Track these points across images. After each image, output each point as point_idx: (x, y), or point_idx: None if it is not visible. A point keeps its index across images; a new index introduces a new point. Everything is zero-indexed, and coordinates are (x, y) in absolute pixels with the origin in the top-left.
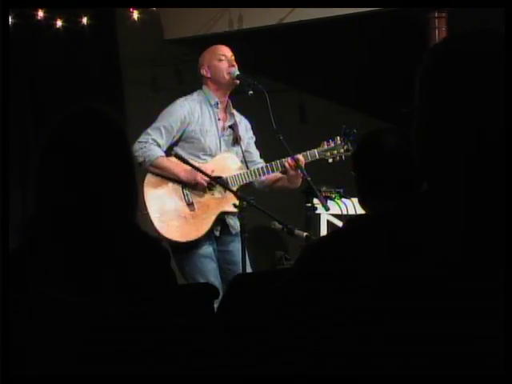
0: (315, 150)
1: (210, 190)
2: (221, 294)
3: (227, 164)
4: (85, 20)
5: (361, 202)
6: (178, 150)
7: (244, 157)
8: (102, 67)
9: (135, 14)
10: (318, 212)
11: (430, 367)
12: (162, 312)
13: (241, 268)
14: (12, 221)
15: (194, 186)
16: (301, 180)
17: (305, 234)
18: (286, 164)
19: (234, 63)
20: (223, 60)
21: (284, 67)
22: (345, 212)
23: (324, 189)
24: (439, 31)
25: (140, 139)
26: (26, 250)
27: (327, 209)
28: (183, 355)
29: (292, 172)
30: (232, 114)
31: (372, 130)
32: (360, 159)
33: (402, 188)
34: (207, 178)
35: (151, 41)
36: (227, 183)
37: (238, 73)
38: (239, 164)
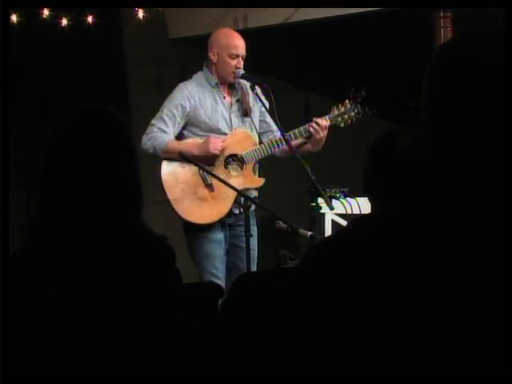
0: (326, 117)
1: (226, 168)
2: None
3: (242, 140)
4: (90, 19)
5: (367, 195)
6: (187, 134)
7: (257, 129)
8: (106, 66)
9: (140, 13)
10: (322, 211)
11: (435, 368)
12: (166, 311)
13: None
14: (16, 220)
15: (210, 162)
16: (323, 142)
17: (309, 233)
18: (311, 129)
19: (241, 64)
20: (234, 59)
21: (289, 66)
22: (349, 211)
23: (329, 188)
24: (444, 31)
25: (146, 132)
26: (30, 250)
27: (332, 208)
28: (186, 354)
29: (318, 135)
30: (237, 88)
31: (390, 129)
32: (375, 156)
33: (412, 189)
34: (220, 148)
35: (156, 40)
36: (243, 161)
37: (242, 72)
38: (254, 139)
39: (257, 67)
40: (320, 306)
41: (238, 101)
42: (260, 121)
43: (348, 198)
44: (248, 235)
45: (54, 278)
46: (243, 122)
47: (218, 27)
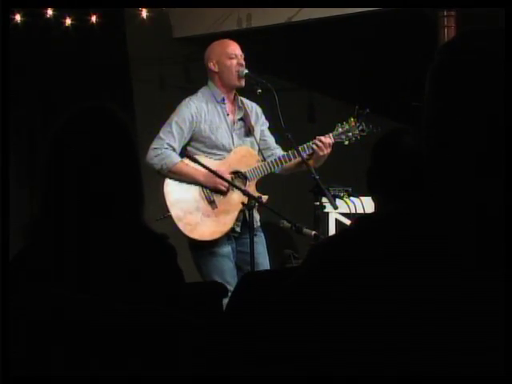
0: (330, 134)
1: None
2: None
3: (245, 157)
4: (94, 18)
5: (371, 194)
6: (191, 150)
7: (259, 146)
8: (110, 66)
9: (144, 13)
10: (326, 211)
11: (437, 368)
12: (169, 310)
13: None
14: (19, 221)
15: (214, 188)
16: (325, 159)
17: (313, 232)
18: (314, 146)
19: (243, 62)
20: (233, 59)
21: (293, 66)
22: (353, 211)
23: (332, 187)
24: (448, 30)
25: (154, 145)
26: (33, 250)
27: (336, 207)
28: (189, 354)
29: (322, 153)
30: (241, 107)
31: (394, 128)
32: (378, 155)
33: (415, 188)
34: (226, 184)
35: (160, 39)
36: (246, 178)
37: (246, 71)
38: (257, 156)
39: (260, 67)
40: (323, 305)
41: (240, 119)
42: (260, 139)
43: (352, 197)
44: (252, 235)
45: (57, 277)
46: (244, 141)
47: (222, 27)
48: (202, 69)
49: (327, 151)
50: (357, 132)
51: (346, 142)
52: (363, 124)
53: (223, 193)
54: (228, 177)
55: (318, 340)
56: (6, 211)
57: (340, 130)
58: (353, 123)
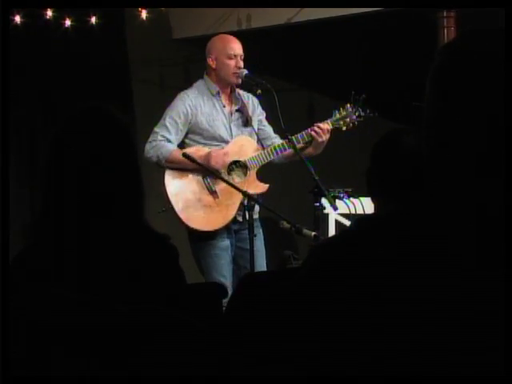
0: (328, 121)
1: (230, 174)
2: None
3: (244, 147)
4: (93, 19)
5: (370, 195)
6: (190, 142)
7: (258, 136)
8: (110, 66)
9: (144, 14)
10: (326, 211)
11: (438, 368)
12: (170, 310)
13: (258, 268)
14: (19, 221)
15: (213, 172)
16: (324, 146)
17: (313, 233)
18: (313, 133)
19: (241, 64)
20: (232, 59)
21: (292, 66)
22: (353, 211)
23: (332, 188)
24: (448, 30)
25: (149, 140)
26: (34, 250)
27: (335, 208)
28: (188, 354)
29: (321, 139)
30: (238, 98)
31: (394, 129)
32: (378, 156)
33: (415, 189)
34: (221, 162)
35: (160, 40)
36: (246, 167)
37: (246, 73)
38: (255, 146)
39: (260, 67)
40: (323, 306)
41: (237, 111)
42: (258, 129)
43: (352, 198)
44: (252, 236)
45: (58, 277)
46: (242, 132)
47: (222, 27)
48: (202, 70)
49: (326, 137)
50: (354, 118)
51: (344, 128)
52: (360, 110)
53: (223, 174)
54: (223, 172)
55: (318, 340)
56: (6, 211)
57: (337, 116)
58: (350, 109)
